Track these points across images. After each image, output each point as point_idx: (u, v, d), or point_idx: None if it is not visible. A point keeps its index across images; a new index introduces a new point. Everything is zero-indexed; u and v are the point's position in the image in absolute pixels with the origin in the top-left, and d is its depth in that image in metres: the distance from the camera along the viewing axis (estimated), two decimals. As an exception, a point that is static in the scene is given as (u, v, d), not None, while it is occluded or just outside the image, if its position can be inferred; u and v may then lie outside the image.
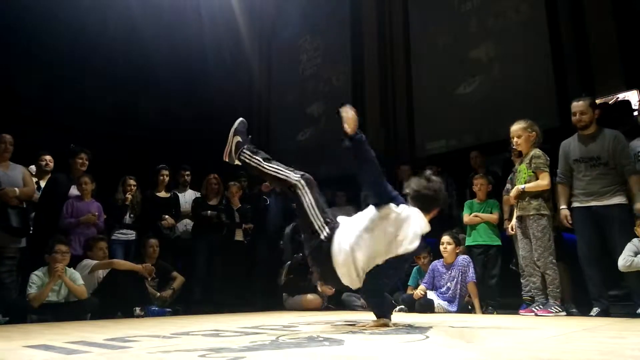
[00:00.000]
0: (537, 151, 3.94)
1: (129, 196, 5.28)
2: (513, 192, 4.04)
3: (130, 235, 5.32)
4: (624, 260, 3.43)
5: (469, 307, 4.45)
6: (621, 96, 5.20)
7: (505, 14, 6.86)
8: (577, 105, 3.86)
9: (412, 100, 7.71)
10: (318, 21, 9.19)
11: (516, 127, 4.01)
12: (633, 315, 3.45)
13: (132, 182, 5.39)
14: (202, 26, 8.83)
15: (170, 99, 8.09)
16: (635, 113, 5.01)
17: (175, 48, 8.15)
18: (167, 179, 5.71)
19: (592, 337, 2.13)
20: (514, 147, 4.20)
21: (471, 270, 4.41)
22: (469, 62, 7.12)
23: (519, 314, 3.91)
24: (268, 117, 10.07)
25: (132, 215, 5.33)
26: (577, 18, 5.99)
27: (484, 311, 4.34)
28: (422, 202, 2.67)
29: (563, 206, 3.89)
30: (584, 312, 3.74)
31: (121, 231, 5.29)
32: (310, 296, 5.20)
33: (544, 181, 3.85)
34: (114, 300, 4.39)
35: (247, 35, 9.51)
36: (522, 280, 4.03)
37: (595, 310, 3.62)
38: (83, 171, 5.24)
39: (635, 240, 3.49)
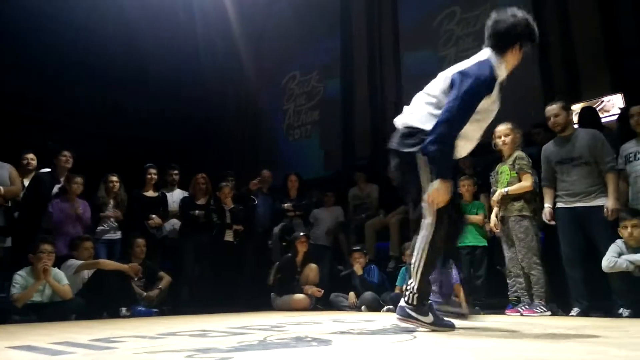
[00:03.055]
0: (520, 152, 4.00)
1: (111, 201, 5.19)
2: (496, 196, 4.08)
3: (114, 234, 5.25)
4: (608, 261, 3.48)
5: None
6: (606, 99, 5.29)
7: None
8: (551, 109, 3.95)
9: (401, 101, 7.73)
10: (308, 23, 9.16)
11: (504, 127, 4.06)
12: (614, 315, 3.51)
13: (114, 179, 5.30)
14: (193, 26, 8.78)
15: (160, 97, 8.03)
16: (611, 119, 5.09)
17: (165, 47, 8.08)
18: (155, 177, 5.66)
19: (577, 337, 2.16)
20: (497, 147, 4.22)
21: (454, 272, 4.43)
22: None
23: (505, 314, 3.95)
24: (259, 117, 10.04)
25: (117, 216, 5.26)
26: (563, 23, 6.07)
27: (471, 311, 4.37)
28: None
29: (547, 204, 3.94)
30: (568, 312, 3.78)
31: (105, 230, 5.20)
32: (298, 296, 5.19)
33: (527, 182, 3.90)
34: (100, 301, 4.34)
35: (238, 36, 9.48)
36: (508, 281, 4.07)
37: (575, 310, 3.67)
38: (68, 169, 5.17)
39: (618, 241, 3.55)
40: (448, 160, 2.27)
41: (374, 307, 4.81)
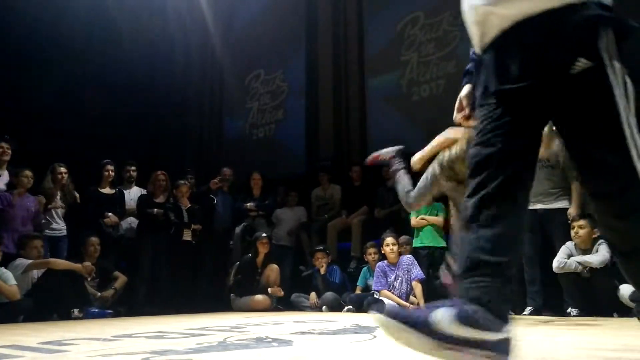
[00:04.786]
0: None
1: (58, 192, 4.96)
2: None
3: (59, 231, 5.00)
4: (558, 262, 3.65)
5: (416, 305, 4.57)
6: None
7: (456, 38, 7.10)
8: None
9: (365, 102, 7.82)
10: (274, 21, 9.11)
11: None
12: (564, 314, 3.67)
13: (62, 169, 5.06)
14: (159, 22, 8.55)
15: (118, 90, 7.76)
16: None
17: (127, 41, 7.84)
18: (111, 174, 5.48)
19: (529, 336, 2.25)
20: None
21: (416, 269, 4.53)
22: (421, 70, 7.33)
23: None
24: (220, 115, 9.89)
25: (63, 206, 5.01)
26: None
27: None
28: None
29: None
30: (518, 311, 3.94)
31: (48, 226, 4.92)
32: (259, 297, 5.15)
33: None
34: (50, 302, 4.17)
35: (204, 33, 9.34)
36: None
37: (528, 309, 3.82)
38: (6, 161, 4.88)
39: (569, 243, 3.72)
40: None
41: (335, 307, 4.84)
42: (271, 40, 9.14)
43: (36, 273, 4.33)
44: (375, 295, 4.56)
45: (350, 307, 4.64)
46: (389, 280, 4.60)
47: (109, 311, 4.56)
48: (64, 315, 4.20)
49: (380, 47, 7.90)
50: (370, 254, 4.88)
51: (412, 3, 7.64)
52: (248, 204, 6.11)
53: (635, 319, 3.18)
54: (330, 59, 8.26)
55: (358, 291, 4.90)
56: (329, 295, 4.95)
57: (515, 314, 3.90)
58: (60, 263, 4.46)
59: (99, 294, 4.69)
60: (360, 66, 8.00)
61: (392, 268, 4.61)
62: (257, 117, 9.26)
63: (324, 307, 4.90)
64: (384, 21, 7.92)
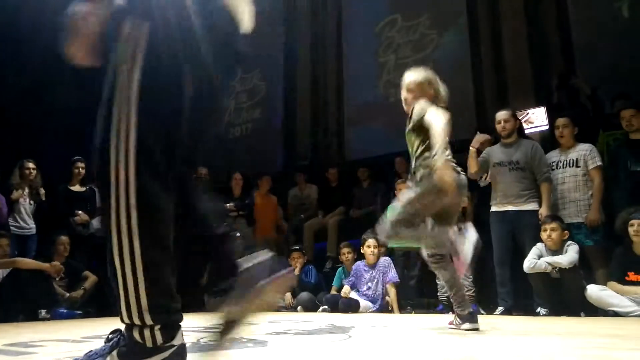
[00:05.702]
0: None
1: (26, 188, 4.80)
2: None
3: (27, 230, 4.86)
4: (529, 262, 3.73)
5: (389, 307, 4.60)
6: (531, 112, 5.66)
7: (433, 41, 7.19)
8: (502, 114, 4.20)
9: (342, 105, 7.85)
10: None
11: None
12: (533, 313, 3.76)
13: (30, 165, 4.93)
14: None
15: (94, 85, 7.52)
16: (533, 130, 5.47)
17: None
18: (82, 172, 5.35)
19: (501, 336, 2.29)
20: None
21: (392, 271, 4.56)
22: (398, 72, 7.40)
23: (435, 313, 4.11)
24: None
25: (31, 203, 4.88)
26: (495, 43, 6.47)
27: (403, 310, 4.51)
28: None
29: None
30: (489, 311, 4.01)
31: (16, 224, 4.79)
32: (233, 297, 5.10)
33: None
34: (16, 302, 4.04)
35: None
36: (438, 282, 4.24)
37: (500, 309, 3.90)
38: None
39: (539, 244, 3.81)
40: None
41: (310, 307, 4.83)
42: (249, 39, 9.07)
43: (1, 272, 4.19)
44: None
45: (326, 307, 4.64)
46: (363, 280, 4.63)
47: (78, 312, 4.44)
48: (31, 316, 4.07)
49: (359, 48, 7.94)
50: (344, 253, 4.90)
51: (391, 5, 7.73)
52: (228, 204, 6.04)
53: (603, 318, 3.28)
54: (308, 58, 8.26)
55: (333, 291, 4.91)
56: (304, 295, 4.94)
57: (487, 314, 3.98)
58: (27, 262, 4.32)
59: (68, 294, 4.56)
60: (339, 66, 8.03)
61: (369, 269, 4.64)
62: (233, 115, 9.18)
63: (299, 307, 4.89)
64: (363, 24, 7.97)
